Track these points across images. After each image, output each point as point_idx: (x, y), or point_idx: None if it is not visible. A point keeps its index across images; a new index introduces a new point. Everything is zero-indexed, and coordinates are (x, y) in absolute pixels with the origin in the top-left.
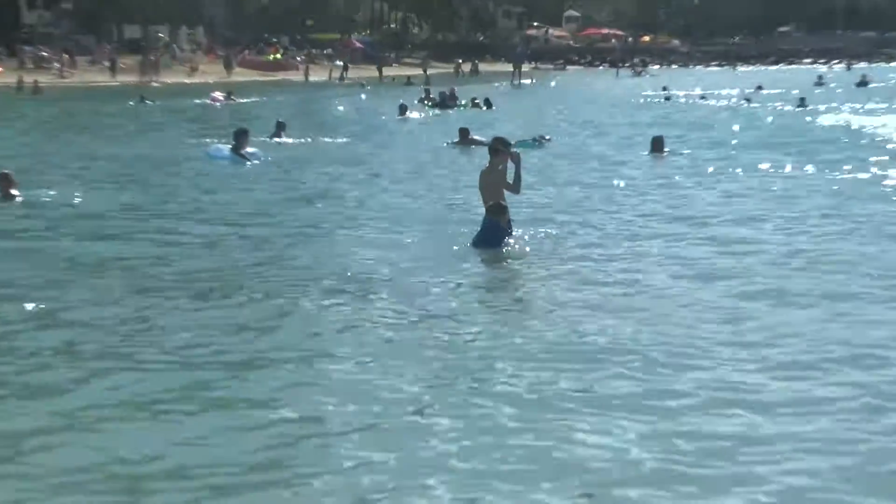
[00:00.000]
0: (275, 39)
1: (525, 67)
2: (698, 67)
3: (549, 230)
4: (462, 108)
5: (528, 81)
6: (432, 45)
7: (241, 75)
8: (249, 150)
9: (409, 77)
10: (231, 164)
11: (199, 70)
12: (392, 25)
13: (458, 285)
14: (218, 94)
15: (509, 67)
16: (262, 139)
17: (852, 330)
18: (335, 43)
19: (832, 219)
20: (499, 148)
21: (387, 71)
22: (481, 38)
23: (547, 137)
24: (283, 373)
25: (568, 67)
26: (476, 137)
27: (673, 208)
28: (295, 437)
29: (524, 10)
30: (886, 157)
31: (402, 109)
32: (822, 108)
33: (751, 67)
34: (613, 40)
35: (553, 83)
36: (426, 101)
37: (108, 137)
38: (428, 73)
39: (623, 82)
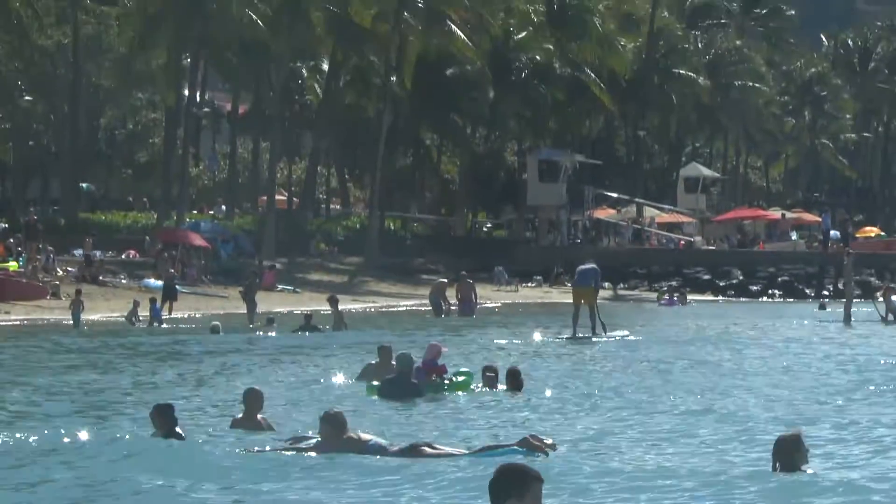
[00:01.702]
0: None
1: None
2: None
3: None
4: (455, 388)
5: (620, 334)
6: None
7: None
8: None
9: (306, 316)
10: None
11: None
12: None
13: None
14: None
15: (541, 292)
16: None
17: None
18: (150, 233)
19: None
20: None
21: (266, 299)
22: (487, 227)
23: (550, 443)
24: None
25: (690, 297)
26: None
27: None
28: None
29: (590, 160)
30: None
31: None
32: None
33: None
34: (800, 241)
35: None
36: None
37: None
38: (340, 307)
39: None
